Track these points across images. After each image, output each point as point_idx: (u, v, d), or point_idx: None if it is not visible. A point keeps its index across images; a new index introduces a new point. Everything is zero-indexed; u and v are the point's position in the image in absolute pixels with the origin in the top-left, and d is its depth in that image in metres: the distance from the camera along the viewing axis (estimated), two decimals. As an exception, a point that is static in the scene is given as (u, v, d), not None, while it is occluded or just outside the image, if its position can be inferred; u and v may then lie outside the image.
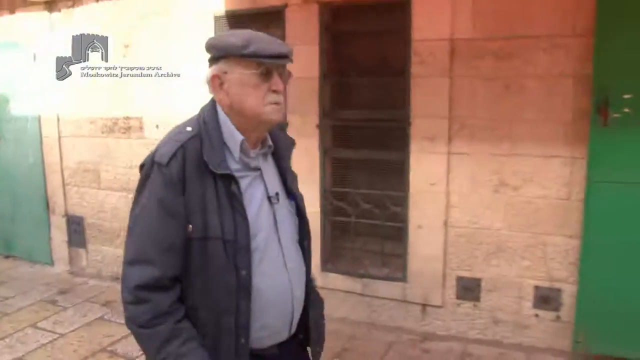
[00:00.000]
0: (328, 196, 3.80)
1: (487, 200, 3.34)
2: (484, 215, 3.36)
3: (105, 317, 4.03)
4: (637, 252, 2.96)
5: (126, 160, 4.50)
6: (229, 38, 1.38)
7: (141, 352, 1.41)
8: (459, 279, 3.47)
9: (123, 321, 1.39)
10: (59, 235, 5.00)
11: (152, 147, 1.41)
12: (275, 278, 1.43)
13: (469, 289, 3.45)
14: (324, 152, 3.75)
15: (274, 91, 1.38)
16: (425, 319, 3.61)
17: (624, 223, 2.98)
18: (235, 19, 3.92)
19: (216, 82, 1.40)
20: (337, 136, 3.77)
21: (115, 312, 4.04)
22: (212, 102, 1.45)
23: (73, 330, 3.80)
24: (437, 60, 3.33)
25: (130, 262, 1.35)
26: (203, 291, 1.36)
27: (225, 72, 1.38)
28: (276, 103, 1.39)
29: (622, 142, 2.92)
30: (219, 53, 1.39)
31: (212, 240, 1.34)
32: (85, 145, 4.70)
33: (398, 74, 3.49)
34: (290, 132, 3.72)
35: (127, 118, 4.45)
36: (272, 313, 1.43)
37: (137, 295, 1.32)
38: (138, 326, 1.33)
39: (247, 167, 1.44)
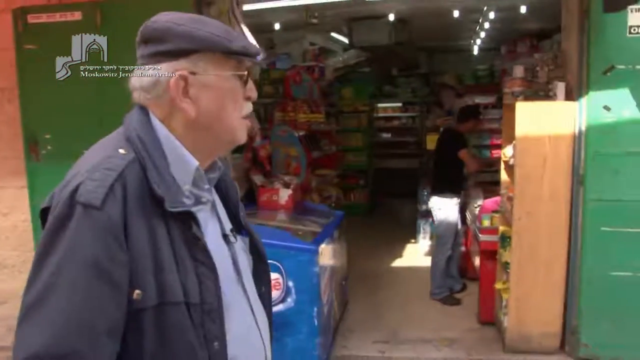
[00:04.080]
0: None
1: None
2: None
3: None
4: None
5: None
6: (201, 25, 1.01)
7: None
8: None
9: None
10: None
11: None
12: (250, 341, 1.11)
13: None
14: None
15: (248, 99, 1.08)
16: None
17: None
18: None
19: (180, 85, 1.00)
20: None
21: None
22: (142, 114, 1.04)
23: None
24: None
25: (36, 358, 0.86)
26: None
27: (194, 73, 1.00)
28: (246, 117, 1.09)
29: (53, 172, 3.62)
30: (188, 45, 0.99)
31: (172, 307, 0.96)
32: None
33: None
34: None
35: None
36: None
37: None
38: None
39: (199, 201, 1.07)
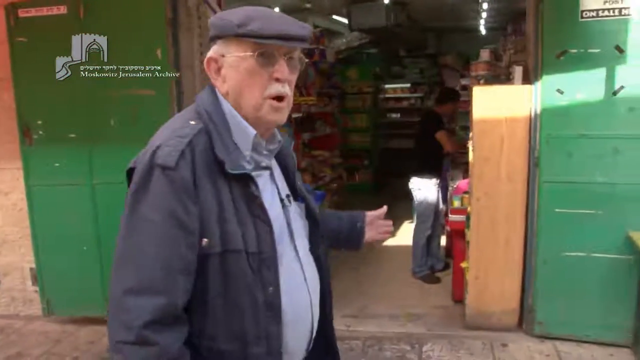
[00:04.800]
0: None
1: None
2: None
3: None
4: (69, 237, 3.99)
5: None
6: (228, 15, 1.18)
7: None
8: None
9: None
10: None
11: None
12: (297, 294, 1.25)
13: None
14: None
15: (277, 80, 1.17)
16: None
17: (57, 215, 4.00)
18: None
19: (212, 66, 1.22)
20: None
21: None
22: (211, 90, 1.24)
23: None
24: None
25: (131, 291, 1.07)
26: (225, 318, 1.15)
27: (223, 55, 1.19)
28: (278, 97, 1.18)
29: (44, 155, 3.94)
30: (215, 32, 1.20)
31: (234, 254, 1.14)
32: None
33: None
34: None
35: None
36: (294, 335, 1.25)
37: (143, 335, 1.05)
38: None
39: (258, 166, 1.25)
